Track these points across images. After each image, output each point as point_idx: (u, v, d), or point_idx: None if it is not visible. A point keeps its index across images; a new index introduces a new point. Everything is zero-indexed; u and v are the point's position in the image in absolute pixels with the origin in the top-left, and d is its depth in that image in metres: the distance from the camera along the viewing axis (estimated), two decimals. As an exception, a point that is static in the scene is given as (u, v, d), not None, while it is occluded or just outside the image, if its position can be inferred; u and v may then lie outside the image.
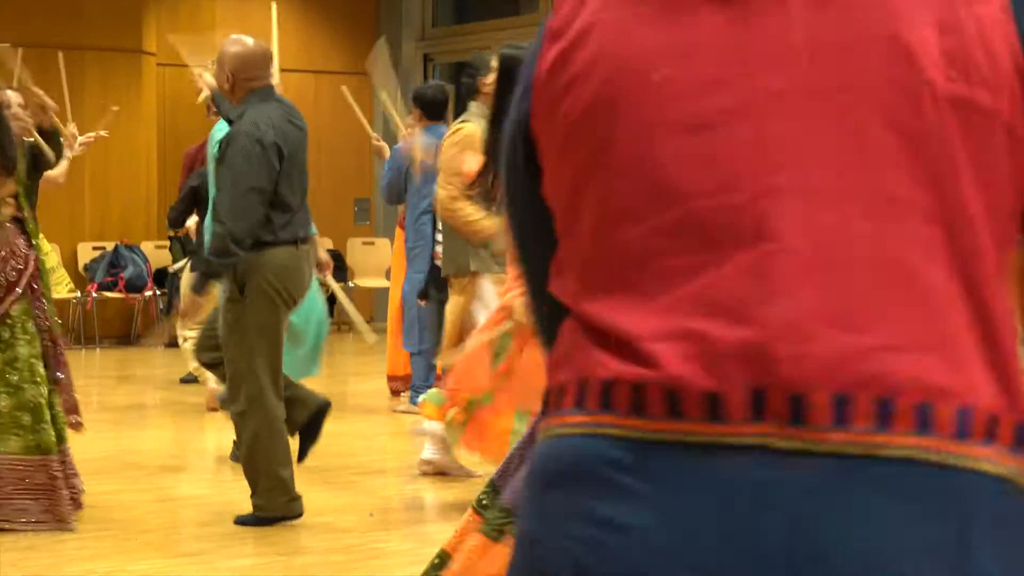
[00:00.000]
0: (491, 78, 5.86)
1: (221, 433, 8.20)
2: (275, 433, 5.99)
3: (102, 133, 9.04)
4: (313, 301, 7.46)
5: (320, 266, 7.98)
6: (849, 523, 1.28)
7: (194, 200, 9.77)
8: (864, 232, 1.32)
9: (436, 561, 3.62)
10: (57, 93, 8.33)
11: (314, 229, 8.01)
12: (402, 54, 14.90)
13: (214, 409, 8.99)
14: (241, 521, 6.03)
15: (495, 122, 5.47)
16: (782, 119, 1.35)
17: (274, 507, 6.00)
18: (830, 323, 1.30)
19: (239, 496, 6.29)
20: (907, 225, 1.33)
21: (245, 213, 5.72)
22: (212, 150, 6.97)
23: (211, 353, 6.27)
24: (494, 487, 3.57)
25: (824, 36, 1.37)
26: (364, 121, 9.48)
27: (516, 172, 1.56)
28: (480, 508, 3.56)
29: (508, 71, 5.71)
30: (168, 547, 5.74)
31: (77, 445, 7.48)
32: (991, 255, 1.36)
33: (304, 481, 6.20)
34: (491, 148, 5.63)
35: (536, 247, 1.58)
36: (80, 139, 8.43)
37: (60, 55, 8.69)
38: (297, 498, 6.04)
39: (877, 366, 1.29)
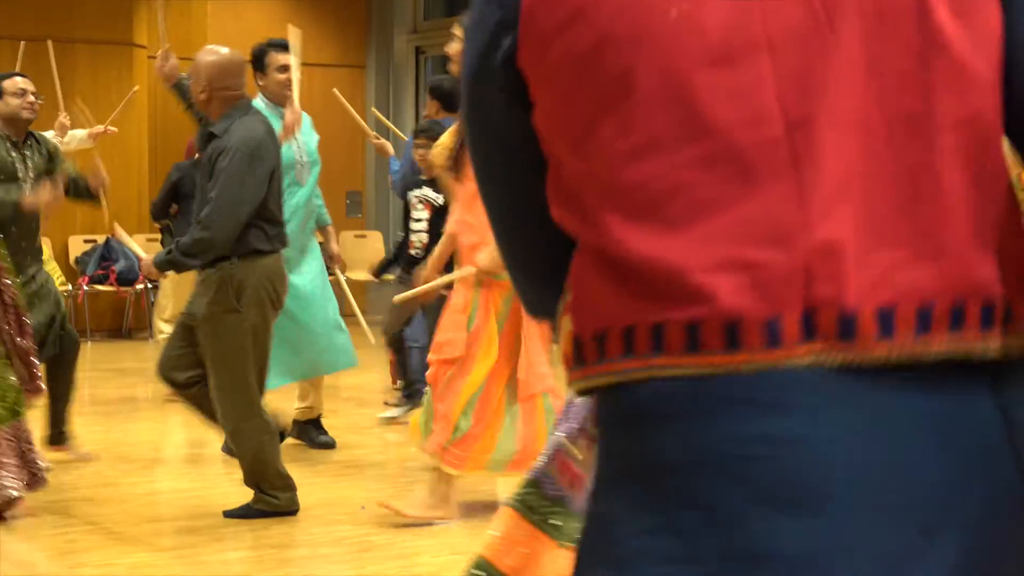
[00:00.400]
0: (456, 46, 5.81)
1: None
2: (273, 433, 6.05)
3: (112, 129, 9.00)
4: (318, 295, 7.43)
5: (333, 258, 7.96)
6: (901, 430, 1.37)
7: (174, 194, 9.78)
8: (888, 152, 1.40)
9: (480, 574, 3.28)
10: (48, 84, 8.31)
11: (328, 219, 7.99)
12: (394, 47, 14.88)
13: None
14: (230, 515, 6.03)
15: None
16: (801, 52, 1.41)
17: (280, 503, 6.05)
18: (866, 241, 1.38)
19: (230, 489, 6.29)
20: (926, 140, 1.40)
21: (229, 225, 5.77)
22: None
23: (186, 372, 6.07)
24: (536, 485, 3.25)
25: None
26: (361, 121, 9.43)
27: (494, 99, 1.56)
28: (526, 510, 3.25)
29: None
30: (159, 540, 5.73)
31: (76, 438, 7.46)
32: (1002, 154, 1.44)
33: (295, 474, 6.19)
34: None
35: (514, 176, 1.60)
36: (90, 131, 8.41)
37: (50, 44, 8.63)
38: (295, 490, 6.10)
39: (912, 276, 1.38)
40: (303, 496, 6.14)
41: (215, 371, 5.93)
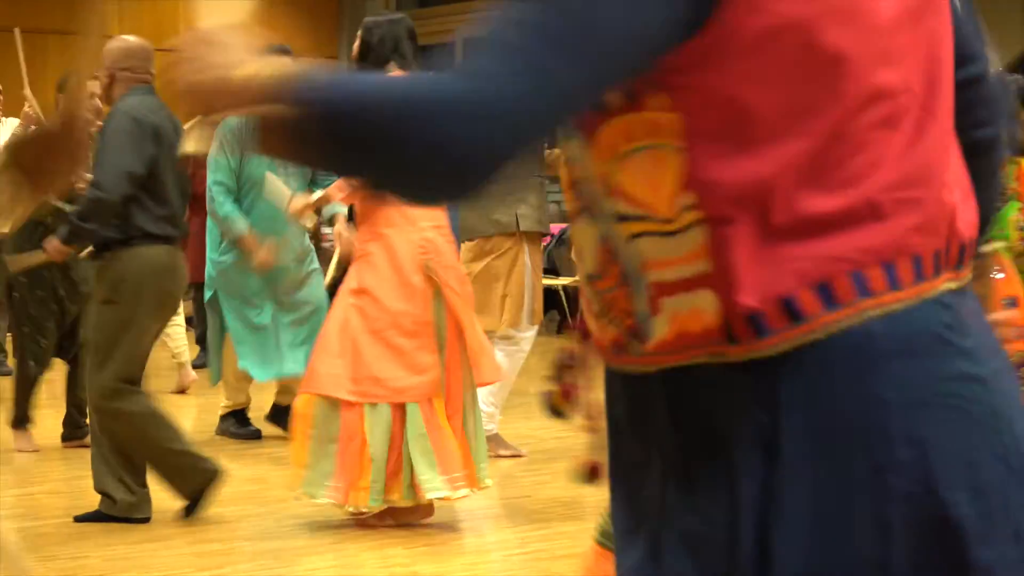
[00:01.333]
0: (355, 45, 5.83)
1: (192, 417, 8.15)
2: (155, 415, 5.82)
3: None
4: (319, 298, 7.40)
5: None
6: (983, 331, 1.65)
7: None
8: (948, 116, 1.66)
9: None
10: (15, 73, 8.24)
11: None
12: (367, 38, 14.84)
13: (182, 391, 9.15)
14: (188, 511, 5.89)
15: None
16: (907, 32, 1.60)
17: (195, 481, 5.82)
18: (953, 188, 1.63)
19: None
20: (948, 99, 1.66)
21: (118, 183, 5.66)
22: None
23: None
24: None
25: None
26: None
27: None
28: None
29: (367, 41, 5.71)
30: (134, 532, 5.70)
31: (45, 430, 7.41)
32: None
33: (268, 465, 6.16)
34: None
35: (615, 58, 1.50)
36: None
37: (17, 31, 8.53)
38: (208, 459, 5.87)
39: (968, 217, 1.65)
40: (275, 486, 6.11)
41: (88, 355, 5.86)
